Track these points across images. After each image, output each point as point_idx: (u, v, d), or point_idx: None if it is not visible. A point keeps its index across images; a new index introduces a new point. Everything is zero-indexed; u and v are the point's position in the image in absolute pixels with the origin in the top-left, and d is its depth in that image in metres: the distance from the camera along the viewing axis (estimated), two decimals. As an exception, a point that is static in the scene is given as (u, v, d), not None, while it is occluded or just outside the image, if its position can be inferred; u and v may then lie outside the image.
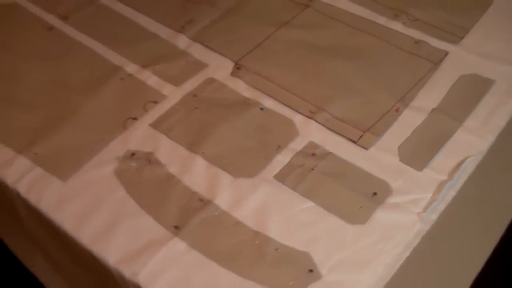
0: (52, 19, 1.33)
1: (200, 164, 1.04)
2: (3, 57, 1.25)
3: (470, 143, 1.03)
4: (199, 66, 1.20)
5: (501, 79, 1.12)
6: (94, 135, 1.09)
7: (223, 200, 0.98)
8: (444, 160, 1.01)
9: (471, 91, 1.11)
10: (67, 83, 1.19)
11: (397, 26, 1.24)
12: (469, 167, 1.00)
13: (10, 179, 1.04)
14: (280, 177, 1.00)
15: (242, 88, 1.15)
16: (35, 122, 1.11)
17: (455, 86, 1.12)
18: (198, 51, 1.23)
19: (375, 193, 0.97)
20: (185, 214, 0.97)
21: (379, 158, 1.02)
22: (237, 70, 1.17)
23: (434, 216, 0.94)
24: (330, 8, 1.29)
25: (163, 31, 1.28)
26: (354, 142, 1.04)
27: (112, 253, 0.93)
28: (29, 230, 1.08)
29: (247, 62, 1.18)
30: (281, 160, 1.03)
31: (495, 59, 1.16)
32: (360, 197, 0.97)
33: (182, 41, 1.25)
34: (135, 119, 1.11)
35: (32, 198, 1.01)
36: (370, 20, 1.25)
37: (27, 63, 1.23)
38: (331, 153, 1.03)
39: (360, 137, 1.05)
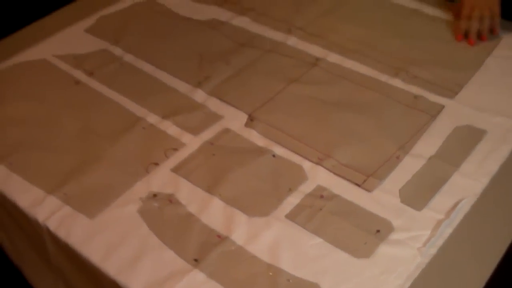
0: (78, 74, 1.45)
1: (217, 205, 1.12)
2: (37, 107, 1.35)
3: (466, 185, 1.12)
4: (216, 117, 1.30)
5: (494, 129, 1.22)
6: (119, 177, 1.18)
7: (239, 236, 1.06)
8: (441, 201, 1.10)
9: (465, 140, 1.20)
10: (94, 131, 1.29)
11: (397, 82, 1.35)
12: (464, 207, 1.08)
13: (40, 217, 1.12)
14: (291, 216, 1.09)
15: (255, 137, 1.25)
16: (65, 165, 1.20)
17: (451, 136, 1.22)
18: (214, 104, 1.33)
19: (378, 230, 1.05)
20: (204, 249, 1.04)
21: (382, 200, 1.11)
22: (251, 121, 1.28)
23: (433, 251, 1.02)
24: (336, 67, 1.40)
25: (182, 86, 1.39)
26: (359, 185, 1.13)
27: (136, 283, 1.00)
28: (56, 264, 1.16)
29: (260, 114, 1.29)
30: (292, 201, 1.12)
31: (487, 112, 1.26)
32: (364, 234, 1.05)
33: (199, 95, 1.36)
34: (156, 164, 1.21)
35: (61, 233, 1.09)
36: (373, 78, 1.36)
37: (58, 112, 1.33)
38: (338, 195, 1.12)
39: (364, 181, 1.14)
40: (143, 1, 1.69)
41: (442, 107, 1.28)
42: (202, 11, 1.64)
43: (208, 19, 1.60)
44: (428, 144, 1.20)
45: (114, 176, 1.19)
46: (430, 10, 1.56)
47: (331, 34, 1.50)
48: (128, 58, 1.49)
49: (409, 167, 1.16)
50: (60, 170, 1.20)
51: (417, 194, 1.11)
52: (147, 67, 1.45)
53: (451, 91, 1.31)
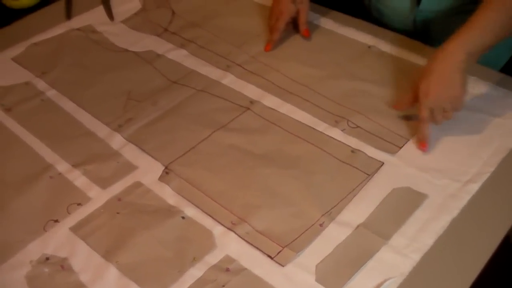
0: (-4, 110, 1.33)
1: (112, 274, 1.00)
2: None
3: (393, 263, 0.98)
4: (129, 168, 1.17)
5: (435, 194, 1.08)
6: (14, 235, 1.07)
7: (127, 316, 0.94)
8: (362, 281, 0.96)
9: (402, 206, 1.06)
10: (1, 178, 1.18)
11: (336, 133, 1.20)
12: (387, 291, 0.94)
13: None
14: (190, 293, 0.96)
15: (167, 194, 1.12)
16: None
17: (386, 199, 1.08)
18: (131, 152, 1.21)
19: (283, 315, 0.92)
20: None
21: (294, 277, 0.97)
22: (166, 174, 1.15)
23: None
24: (270, 112, 1.26)
25: (101, 130, 1.27)
26: (271, 257, 1.00)
27: None
28: None
29: (177, 167, 1.16)
30: (194, 274, 0.99)
31: (431, 172, 1.12)
32: (267, 319, 0.91)
33: (117, 141, 1.23)
34: (56, 221, 1.09)
35: None
36: (309, 127, 1.22)
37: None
38: (246, 269, 0.99)
39: (278, 252, 1.00)
40: (79, 27, 1.56)
41: (381, 164, 1.14)
42: (140, 42, 1.51)
43: (144, 50, 1.47)
44: (359, 209, 1.06)
45: (9, 233, 1.08)
46: (386, 47, 1.40)
47: (272, 72, 1.36)
48: (51, 94, 1.37)
49: (332, 237, 1.03)
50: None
51: (336, 272, 0.97)
52: (69, 106, 1.33)
53: (394, 145, 1.17)
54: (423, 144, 1.15)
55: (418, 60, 1.36)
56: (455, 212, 1.05)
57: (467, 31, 1.11)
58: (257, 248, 1.02)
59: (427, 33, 1.44)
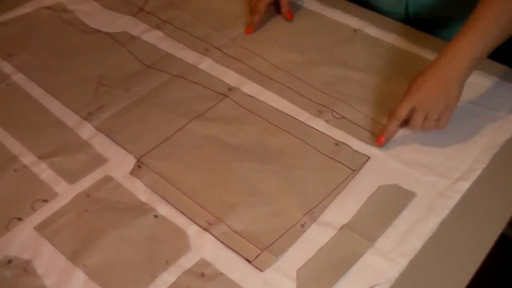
0: (-43, 97, 1.24)
1: (78, 278, 0.94)
2: None
3: (379, 268, 0.92)
4: (99, 161, 1.10)
5: (424, 192, 1.02)
6: (-25, 235, 0.99)
7: (93, 326, 0.87)
8: (345, 288, 0.90)
9: (389, 205, 1.00)
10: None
11: (319, 124, 1.13)
12: (373, 298, 0.88)
13: None
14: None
15: (139, 189, 1.05)
16: None
17: (372, 198, 1.01)
18: (101, 143, 1.14)
19: (261, 326, 0.86)
20: None
21: (274, 283, 0.91)
22: (138, 168, 1.07)
23: None
24: (250, 100, 1.19)
25: (70, 118, 1.19)
26: (249, 261, 0.93)
27: None
28: None
29: (149, 160, 1.08)
30: (167, 279, 0.93)
31: (420, 168, 1.05)
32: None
33: (86, 131, 1.16)
34: (20, 219, 1.02)
35: None
36: (290, 116, 1.15)
37: None
38: (222, 274, 0.93)
39: (257, 256, 0.94)
40: (50, 5, 1.47)
41: (367, 158, 1.07)
42: (113, 22, 1.42)
43: (118, 31, 1.38)
44: (342, 209, 1.00)
45: (-30, 233, 1.00)
46: (374, 31, 1.32)
47: (252, 57, 1.28)
48: (17, 78, 1.29)
49: (314, 239, 0.97)
50: None
51: (318, 278, 0.92)
52: (37, 92, 1.25)
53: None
54: (379, 138, 1.07)
55: (407, 46, 1.28)
56: (444, 213, 0.99)
57: (472, 29, 1.01)
58: (234, 251, 0.95)
59: (419, 18, 1.36)
